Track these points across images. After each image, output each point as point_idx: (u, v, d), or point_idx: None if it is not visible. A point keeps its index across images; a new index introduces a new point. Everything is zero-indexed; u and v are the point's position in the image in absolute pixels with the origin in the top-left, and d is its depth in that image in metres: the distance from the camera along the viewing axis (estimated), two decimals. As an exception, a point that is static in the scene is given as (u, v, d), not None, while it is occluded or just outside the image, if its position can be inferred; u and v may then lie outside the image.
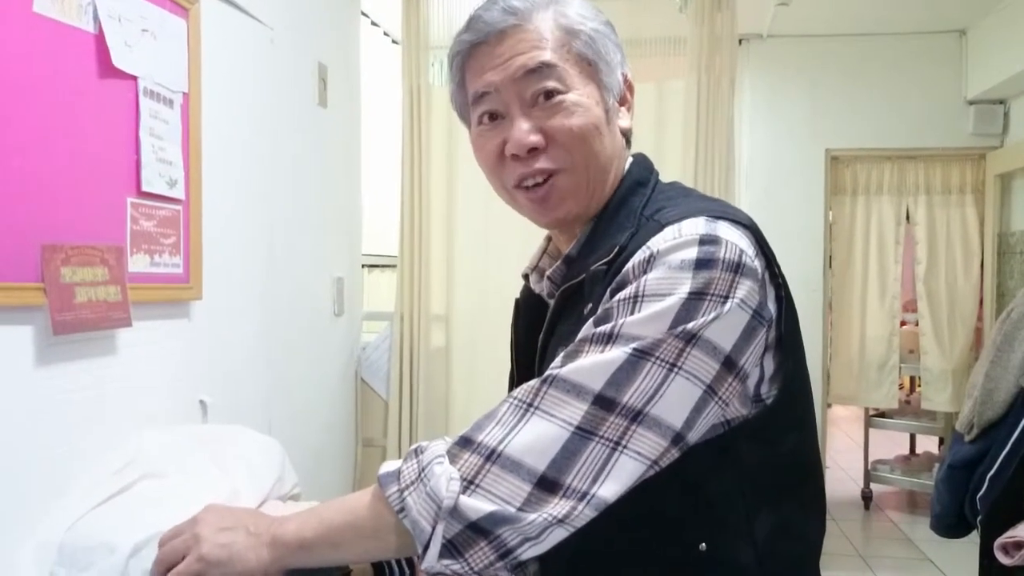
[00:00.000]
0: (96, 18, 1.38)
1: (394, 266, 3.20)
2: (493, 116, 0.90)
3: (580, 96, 0.87)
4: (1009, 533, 1.88)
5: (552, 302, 0.94)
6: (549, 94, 0.86)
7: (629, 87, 0.96)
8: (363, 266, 3.14)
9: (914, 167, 4.01)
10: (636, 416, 0.74)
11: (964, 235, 3.97)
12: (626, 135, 0.96)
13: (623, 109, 0.95)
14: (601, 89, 0.90)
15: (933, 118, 3.87)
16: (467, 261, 3.15)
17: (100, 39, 1.39)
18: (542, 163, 0.88)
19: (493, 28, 0.87)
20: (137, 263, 1.51)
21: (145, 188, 1.52)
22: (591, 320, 0.81)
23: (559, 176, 0.89)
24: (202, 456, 1.54)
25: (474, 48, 0.90)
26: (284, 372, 2.28)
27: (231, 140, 1.92)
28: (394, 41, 3.68)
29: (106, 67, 1.41)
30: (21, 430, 1.26)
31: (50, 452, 1.32)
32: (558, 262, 0.96)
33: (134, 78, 1.49)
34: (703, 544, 0.83)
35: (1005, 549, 1.86)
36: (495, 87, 0.88)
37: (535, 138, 0.87)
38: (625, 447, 0.74)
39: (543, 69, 0.86)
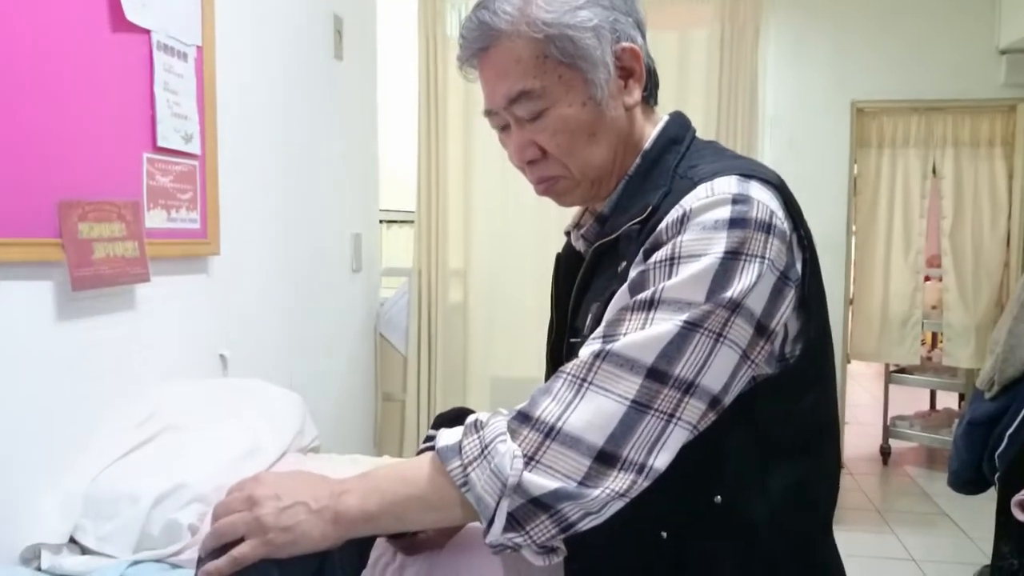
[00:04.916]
0: (107, -30, 1.37)
1: (412, 222, 3.19)
2: (502, 128, 0.95)
3: (563, 109, 0.89)
4: (1027, 490, 1.87)
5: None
6: (533, 115, 0.89)
7: (633, 56, 0.91)
8: (381, 222, 3.13)
9: (942, 119, 3.90)
10: (688, 387, 0.76)
11: (992, 189, 3.88)
12: (644, 101, 0.95)
13: (631, 81, 0.93)
14: (588, 85, 0.89)
15: (963, 68, 3.75)
16: (485, 216, 3.13)
17: (112, -8, 1.38)
18: (541, 171, 0.93)
19: (474, 49, 0.91)
20: (154, 219, 1.52)
21: (161, 143, 1.52)
22: (626, 287, 0.81)
23: (559, 181, 0.94)
24: (222, 409, 1.56)
25: (467, 64, 0.94)
26: (303, 327, 2.30)
27: (246, 94, 1.90)
28: (411, -8, 3.62)
29: (119, 21, 1.40)
30: (43, 384, 1.29)
31: (72, 406, 1.35)
32: (591, 220, 0.98)
33: (147, 32, 1.48)
34: (718, 496, 0.85)
35: (1022, 506, 1.86)
36: (491, 111, 0.93)
37: (529, 153, 0.92)
38: (680, 419, 0.76)
39: (522, 96, 0.88)
